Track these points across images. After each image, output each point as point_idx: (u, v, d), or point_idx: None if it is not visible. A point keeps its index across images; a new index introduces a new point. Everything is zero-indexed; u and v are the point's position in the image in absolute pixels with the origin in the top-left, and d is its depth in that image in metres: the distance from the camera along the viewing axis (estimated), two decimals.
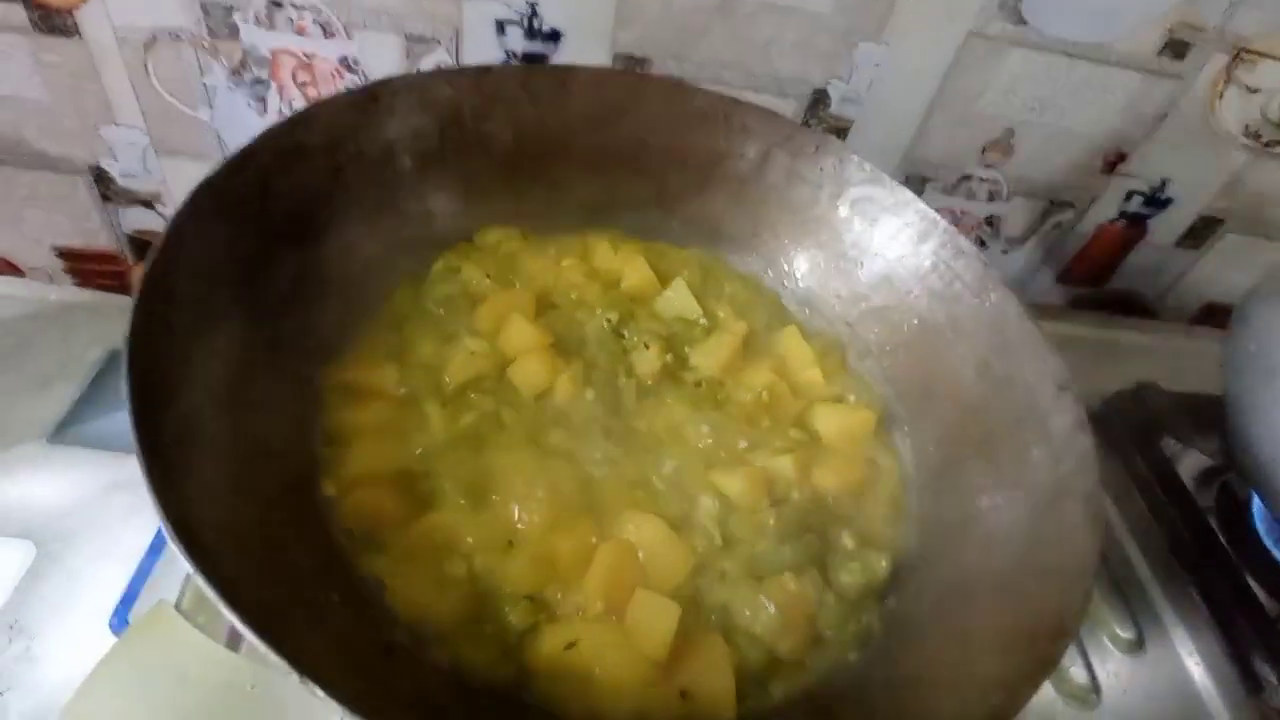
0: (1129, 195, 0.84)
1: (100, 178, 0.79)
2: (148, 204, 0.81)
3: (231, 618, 0.26)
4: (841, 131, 0.75)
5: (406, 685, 0.33)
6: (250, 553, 0.32)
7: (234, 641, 0.45)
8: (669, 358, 0.52)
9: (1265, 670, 0.59)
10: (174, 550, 0.71)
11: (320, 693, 0.26)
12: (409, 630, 0.37)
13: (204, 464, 0.34)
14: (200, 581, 0.27)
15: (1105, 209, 0.85)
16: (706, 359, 0.53)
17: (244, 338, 0.42)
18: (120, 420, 0.84)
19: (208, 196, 0.40)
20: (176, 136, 0.75)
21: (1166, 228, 0.88)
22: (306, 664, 0.26)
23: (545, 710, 0.37)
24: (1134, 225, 0.87)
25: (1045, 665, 0.34)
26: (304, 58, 0.70)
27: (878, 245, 0.59)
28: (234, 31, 0.68)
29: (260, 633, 0.26)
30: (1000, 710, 0.32)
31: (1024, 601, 0.39)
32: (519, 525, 0.42)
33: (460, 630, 0.38)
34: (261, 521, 0.36)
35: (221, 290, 0.41)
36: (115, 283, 0.88)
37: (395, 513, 0.41)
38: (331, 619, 0.34)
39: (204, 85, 0.71)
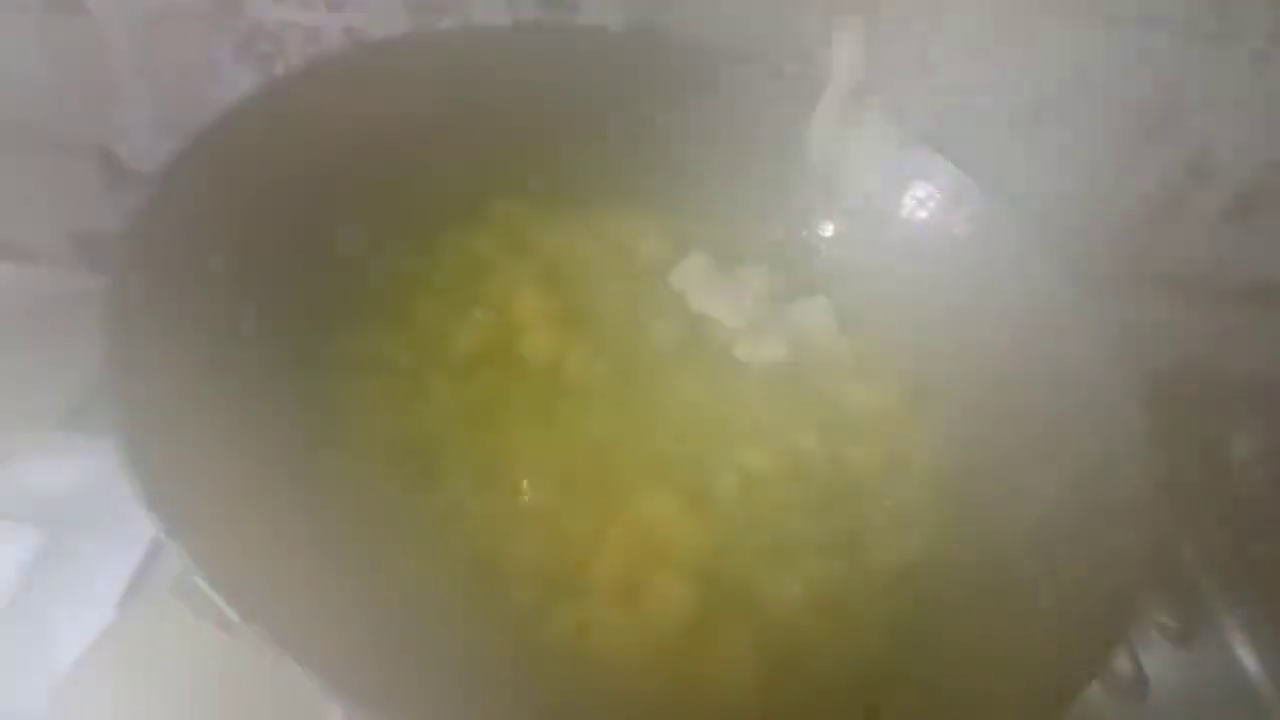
0: (1170, 164, 0.80)
1: (108, 159, 0.78)
2: None
3: (222, 604, 0.25)
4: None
5: (410, 670, 0.31)
6: (241, 531, 0.30)
7: (230, 624, 0.44)
8: (686, 330, 0.50)
9: None
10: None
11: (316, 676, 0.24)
12: (412, 611, 0.35)
13: (190, 432, 0.32)
14: (186, 561, 0.25)
15: (1144, 181, 0.81)
16: (725, 330, 0.51)
17: (241, 305, 0.40)
18: None
19: (197, 154, 0.38)
20: (184, 115, 0.74)
21: (1213, 200, 0.83)
22: (298, 645, 0.24)
23: (556, 694, 0.34)
24: (1177, 197, 0.83)
25: (1098, 656, 0.31)
26: (310, 29, 0.68)
27: (907, 212, 0.56)
28: (238, 5, 0.66)
29: (244, 614, 0.24)
30: (1050, 701, 0.30)
31: (1078, 585, 0.36)
32: (528, 501, 0.40)
33: (466, 611, 0.36)
34: (254, 498, 0.34)
35: (215, 255, 0.39)
36: None
37: (399, 487, 0.39)
38: (329, 603, 0.32)
39: (211, 61, 0.70)
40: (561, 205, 0.57)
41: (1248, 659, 0.57)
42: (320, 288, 0.45)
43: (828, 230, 0.59)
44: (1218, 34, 0.68)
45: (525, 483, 0.41)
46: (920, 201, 0.56)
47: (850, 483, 0.45)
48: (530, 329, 0.47)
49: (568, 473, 0.41)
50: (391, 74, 0.49)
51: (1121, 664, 0.53)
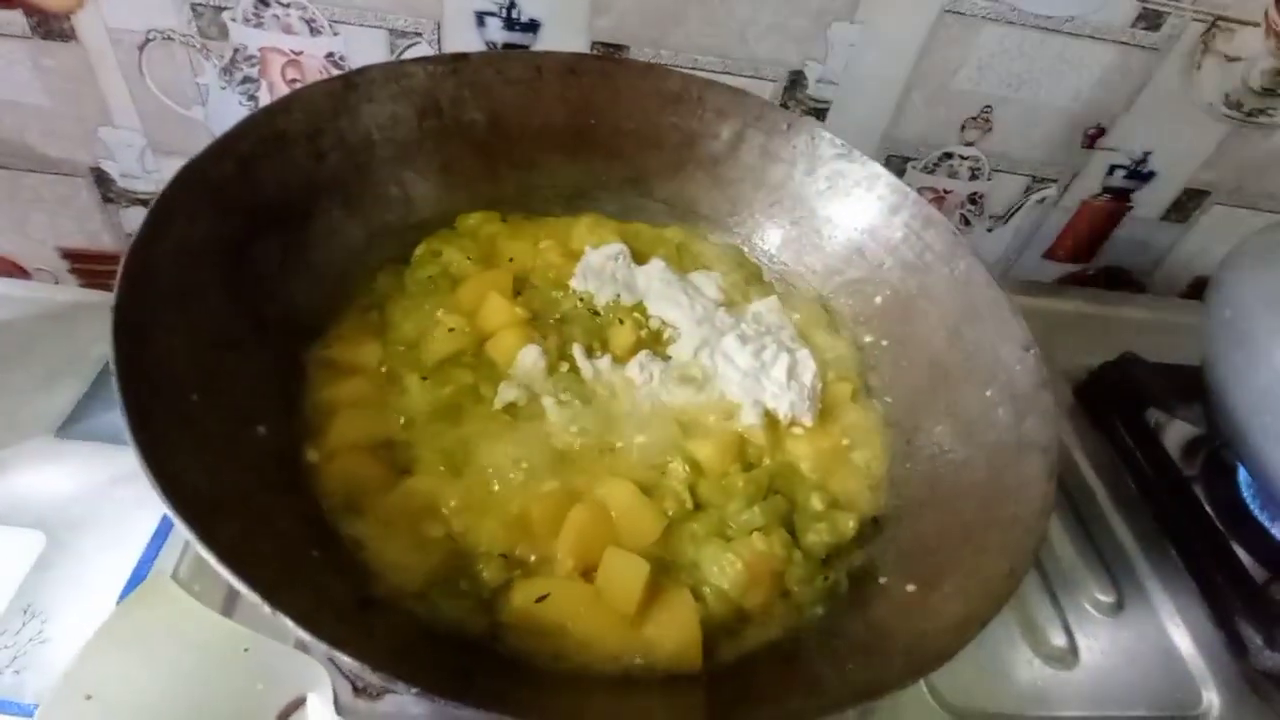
0: (1111, 169, 0.85)
1: (101, 179, 0.81)
2: (147, 203, 0.83)
3: (215, 563, 0.28)
4: (820, 113, 0.77)
5: (383, 634, 0.35)
6: (235, 511, 0.34)
7: (228, 607, 0.47)
8: (643, 332, 0.54)
9: (1250, 633, 0.60)
10: (172, 525, 0.73)
11: (299, 629, 0.27)
12: (386, 586, 0.39)
13: (187, 429, 0.36)
14: (184, 529, 0.28)
15: (1088, 184, 0.86)
16: (679, 333, 0.54)
17: (229, 316, 0.43)
18: None
19: (192, 180, 0.42)
20: (173, 136, 0.77)
21: (1151, 201, 0.88)
22: (286, 604, 0.28)
23: (518, 660, 0.38)
24: (1118, 199, 0.88)
25: (996, 604, 0.35)
26: (292, 55, 0.72)
27: (850, 219, 0.60)
28: (224, 31, 0.70)
29: (241, 575, 0.28)
30: (946, 650, 0.34)
31: (982, 552, 0.40)
32: (495, 489, 0.44)
33: (436, 586, 0.39)
34: (245, 485, 0.37)
35: (206, 270, 0.42)
36: None
37: (375, 479, 0.43)
38: (312, 572, 0.36)
39: (197, 84, 0.73)
40: (529, 215, 0.61)
41: (1175, 630, 0.61)
42: (304, 299, 0.49)
43: (777, 239, 0.63)
44: (1152, 46, 0.73)
45: (491, 472, 0.44)
46: (863, 209, 0.60)
47: (792, 473, 0.49)
48: (498, 334, 0.51)
49: (530, 463, 0.45)
50: (367, 99, 0.53)
51: (1055, 635, 0.57)
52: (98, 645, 0.47)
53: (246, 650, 0.44)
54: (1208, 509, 0.67)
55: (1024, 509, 0.40)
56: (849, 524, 0.45)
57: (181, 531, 0.29)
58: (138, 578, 0.73)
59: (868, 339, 0.58)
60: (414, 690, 0.28)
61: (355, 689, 0.45)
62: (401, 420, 0.46)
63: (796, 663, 0.40)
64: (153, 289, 0.37)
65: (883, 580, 0.44)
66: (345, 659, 0.28)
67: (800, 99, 0.76)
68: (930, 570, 0.41)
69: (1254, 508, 0.68)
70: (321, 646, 0.29)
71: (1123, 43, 0.73)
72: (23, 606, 0.69)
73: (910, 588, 0.41)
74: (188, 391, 0.37)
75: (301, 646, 0.44)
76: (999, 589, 0.36)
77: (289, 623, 0.28)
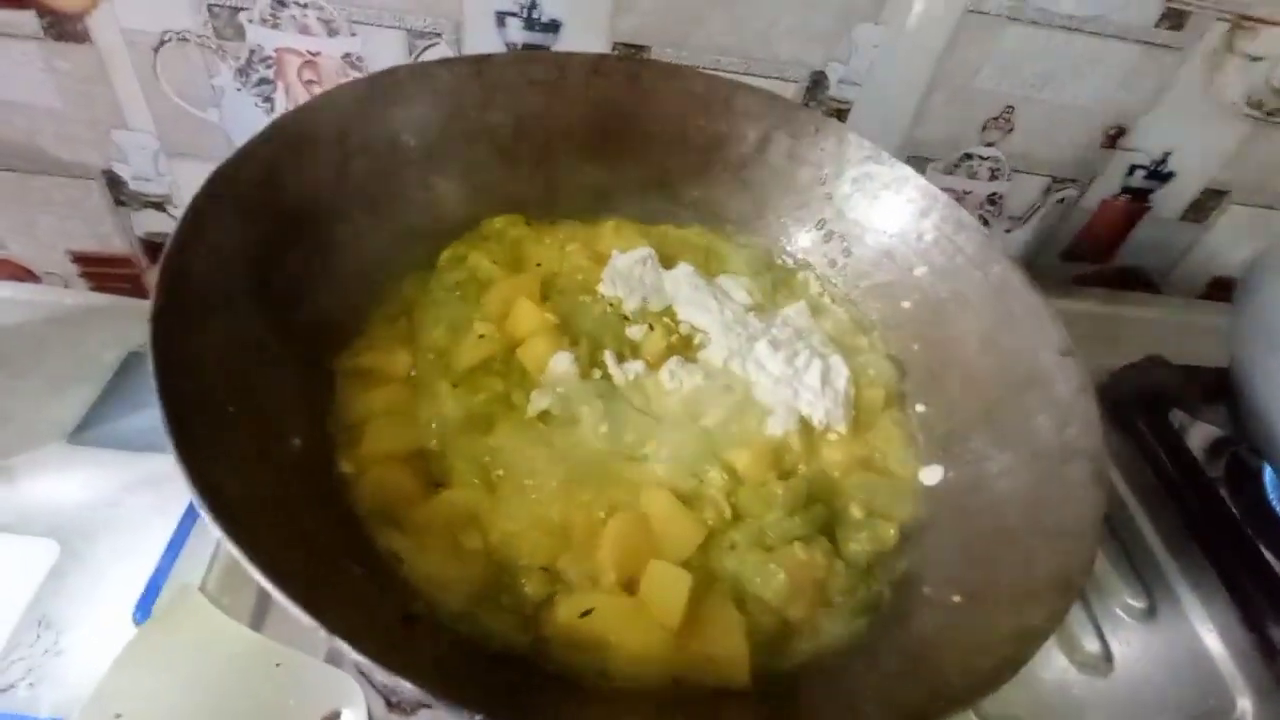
0: (1131, 170, 0.84)
1: (113, 182, 0.80)
2: (159, 206, 0.82)
3: (260, 579, 0.27)
4: (841, 114, 0.76)
5: (428, 650, 0.34)
6: (274, 524, 0.33)
7: (257, 621, 0.46)
8: (673, 338, 0.53)
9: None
10: (200, 528, 0.72)
11: (348, 648, 0.27)
12: (428, 601, 0.38)
13: (225, 440, 0.35)
14: (229, 545, 0.28)
15: (1108, 184, 0.85)
16: (709, 338, 0.54)
17: (259, 324, 0.43)
18: (138, 420, 0.86)
19: (220, 185, 0.41)
20: (186, 139, 0.76)
21: (1170, 202, 0.88)
22: (333, 622, 0.27)
23: (563, 675, 0.37)
24: (1137, 200, 0.87)
25: (1051, 621, 0.35)
26: (309, 56, 0.71)
27: (879, 222, 0.59)
28: (240, 32, 0.69)
29: (287, 593, 0.27)
30: (1006, 663, 0.33)
31: (1031, 563, 0.39)
32: (532, 499, 0.43)
33: (477, 602, 0.39)
34: (282, 498, 0.37)
35: (236, 277, 0.42)
36: (130, 286, 0.90)
37: (411, 490, 0.42)
38: (352, 588, 0.35)
39: (212, 86, 0.72)
40: (555, 218, 0.61)
41: (1208, 635, 0.60)
42: (331, 306, 0.48)
43: (805, 243, 0.62)
44: (1176, 45, 0.72)
45: (527, 483, 0.44)
46: (892, 212, 0.59)
47: (829, 481, 0.48)
48: (528, 340, 0.50)
49: (567, 473, 0.44)
50: (392, 102, 0.52)
51: (1088, 641, 0.57)
52: (126, 662, 0.46)
53: (278, 665, 0.43)
54: (1234, 511, 0.67)
55: (1072, 518, 0.40)
56: (890, 532, 0.45)
57: (226, 546, 0.28)
58: (154, 587, 0.72)
59: (898, 345, 0.57)
60: (463, 709, 0.28)
61: (389, 704, 0.44)
62: (433, 430, 0.45)
63: (844, 678, 0.39)
64: (188, 297, 0.37)
65: (926, 590, 0.43)
66: (388, 676, 0.28)
67: (822, 100, 0.75)
68: (977, 581, 0.41)
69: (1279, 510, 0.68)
70: (363, 662, 0.28)
71: (1146, 42, 0.73)
72: (37, 618, 0.68)
73: (956, 598, 0.41)
74: (224, 402, 0.37)
75: (334, 661, 0.43)
76: (1055, 603, 0.35)
77: (340, 643, 0.27)
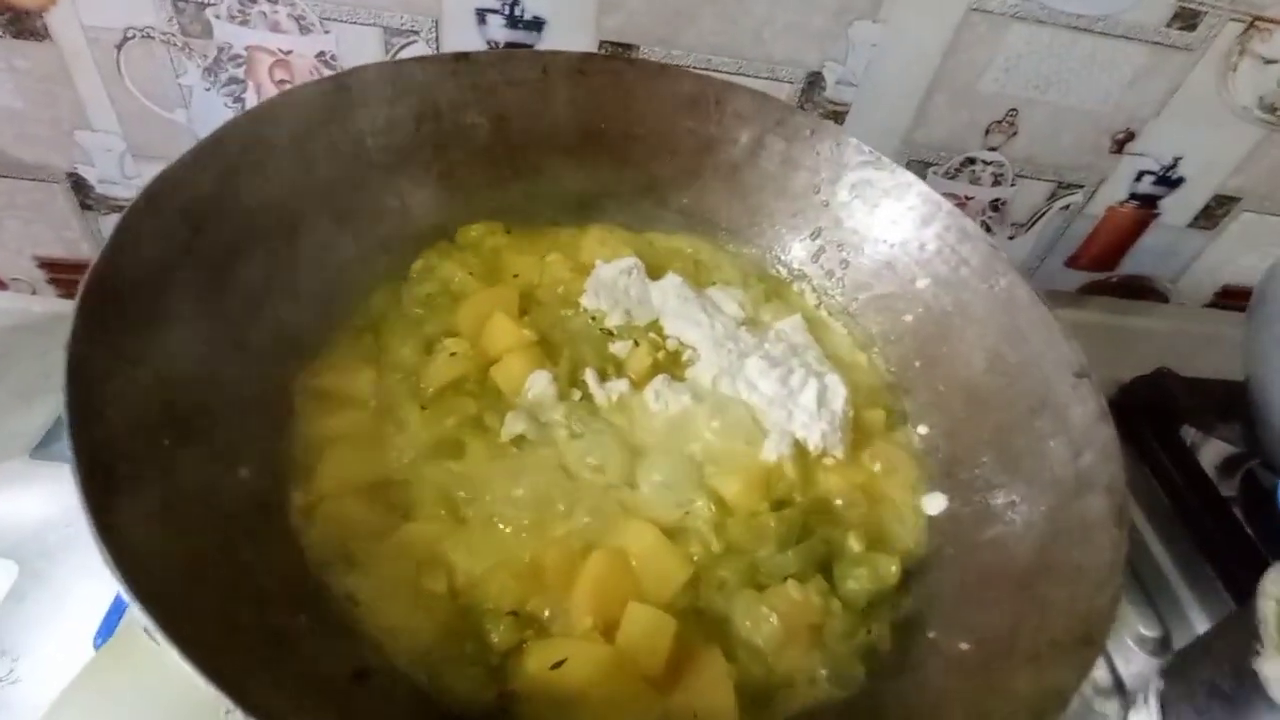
0: (1139, 175, 0.81)
1: (78, 185, 0.77)
2: None
3: (171, 649, 0.24)
4: (838, 115, 0.73)
5: (379, 712, 0.31)
6: (206, 577, 0.30)
7: None
8: (660, 354, 0.50)
9: None
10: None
11: None
12: (383, 652, 0.34)
13: (157, 482, 0.32)
14: (138, 611, 0.24)
15: (1114, 190, 0.82)
16: (698, 355, 0.50)
17: (208, 341, 0.39)
18: None
19: (164, 193, 0.38)
20: (154, 140, 0.73)
21: (1179, 208, 0.84)
22: (257, 699, 0.24)
23: None
24: (1145, 206, 0.84)
25: (1075, 675, 0.31)
26: (281, 54, 0.67)
27: (879, 231, 0.56)
28: (207, 29, 0.66)
29: (202, 668, 0.24)
30: None
31: (1047, 606, 0.36)
32: (503, 534, 0.40)
33: (439, 650, 0.35)
34: (224, 542, 0.33)
35: (181, 294, 0.38)
36: None
37: (370, 524, 0.39)
38: (298, 644, 0.32)
39: (179, 86, 0.69)
40: (535, 226, 0.57)
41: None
42: (292, 321, 0.45)
43: (800, 252, 0.59)
44: (1187, 46, 0.69)
45: (497, 516, 0.40)
46: (893, 220, 0.56)
47: (826, 510, 0.45)
48: (504, 359, 0.47)
49: (541, 504, 0.41)
50: (360, 103, 0.49)
51: (1100, 676, 0.54)
52: (65, 704, 0.43)
53: (228, 713, 0.40)
54: (1249, 533, 0.64)
55: (1090, 558, 0.37)
56: (892, 569, 0.41)
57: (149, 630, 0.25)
58: (117, 610, 0.68)
59: (899, 361, 0.54)
60: None
61: None
62: (397, 457, 0.42)
63: None
64: (116, 320, 0.33)
65: (931, 635, 0.40)
66: None
67: (818, 101, 0.72)
68: (987, 627, 0.37)
69: None
70: None
71: (1156, 43, 0.70)
72: None
73: (964, 646, 0.37)
74: (159, 436, 0.33)
75: None
76: (1076, 658, 0.32)
77: None
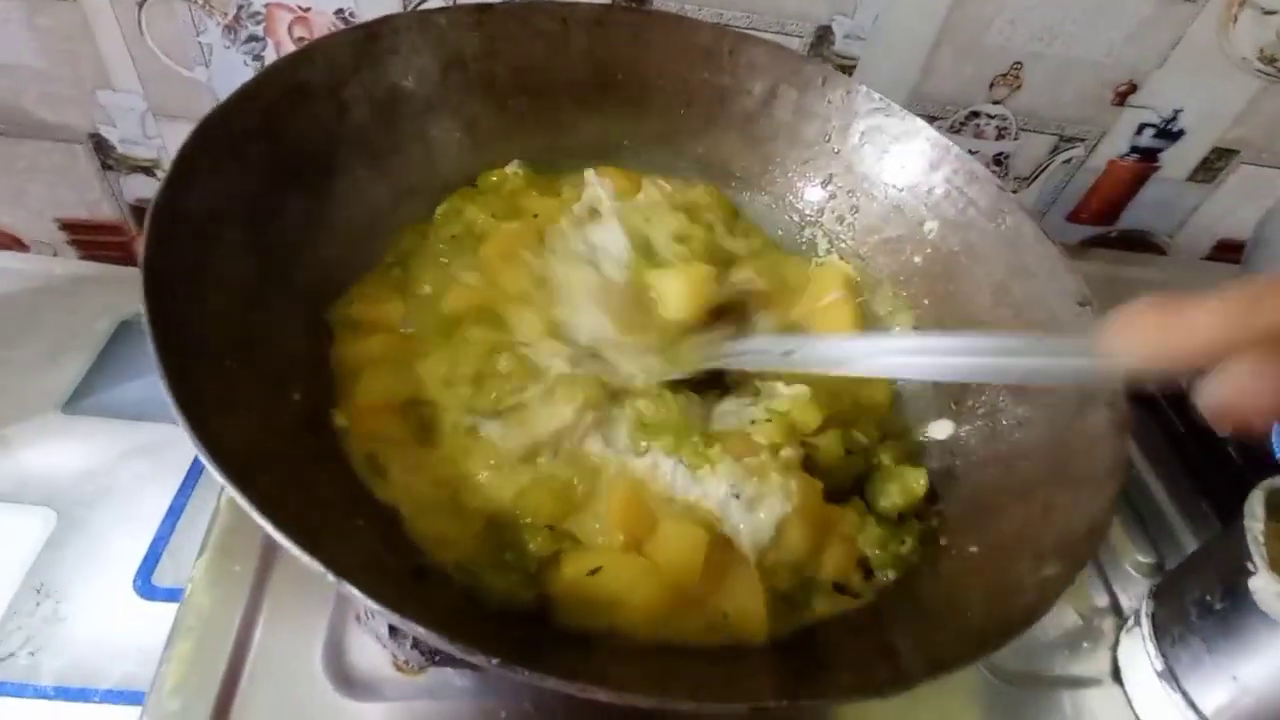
0: (1140, 128, 0.83)
1: (100, 145, 0.78)
2: (149, 171, 0.80)
3: (267, 527, 0.26)
4: (847, 69, 0.74)
5: (439, 602, 0.34)
6: (277, 477, 0.32)
7: (261, 585, 0.45)
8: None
9: None
10: (199, 496, 0.71)
11: (358, 593, 0.26)
12: (432, 556, 0.37)
13: (224, 395, 0.34)
14: (235, 495, 0.27)
15: (1116, 143, 0.84)
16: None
17: (257, 277, 0.41)
18: (131, 389, 0.85)
19: (214, 132, 0.40)
20: (175, 99, 0.74)
21: (1179, 161, 0.86)
22: (344, 570, 0.26)
23: (571, 631, 0.36)
24: (1145, 160, 0.86)
25: (1075, 566, 0.34)
26: (300, 11, 0.69)
27: (889, 175, 0.58)
28: None
29: (297, 541, 0.26)
30: (1031, 609, 0.32)
31: (1053, 510, 0.39)
32: (534, 453, 0.42)
33: (479, 558, 0.38)
34: (284, 451, 0.36)
35: (231, 228, 0.40)
36: (120, 254, 0.88)
37: (405, 441, 0.41)
38: (360, 540, 0.34)
39: (200, 44, 0.70)
40: (557, 170, 0.59)
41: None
42: (330, 258, 0.47)
43: (813, 198, 0.61)
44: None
45: (523, 433, 0.43)
46: (902, 165, 0.58)
47: (851, 429, 0.47)
48: (518, 296, 0.49)
49: (565, 423, 0.43)
50: (390, 50, 0.50)
51: (1098, 597, 0.57)
52: None
53: None
54: (1242, 468, 0.67)
55: (1094, 467, 0.39)
56: (920, 481, 0.44)
57: (232, 496, 0.27)
58: (153, 555, 0.72)
59: (909, 300, 0.56)
60: (483, 657, 0.27)
61: (396, 665, 0.43)
62: (428, 379, 0.44)
63: (867, 633, 0.39)
64: (181, 246, 0.35)
65: (943, 542, 0.42)
66: (404, 624, 0.27)
67: (826, 55, 0.73)
68: (995, 533, 0.40)
69: None
70: (375, 609, 0.27)
71: None
72: (35, 586, 0.68)
73: (973, 549, 0.40)
74: (221, 356, 0.35)
75: None
76: (1078, 549, 0.34)
77: (350, 588, 0.26)
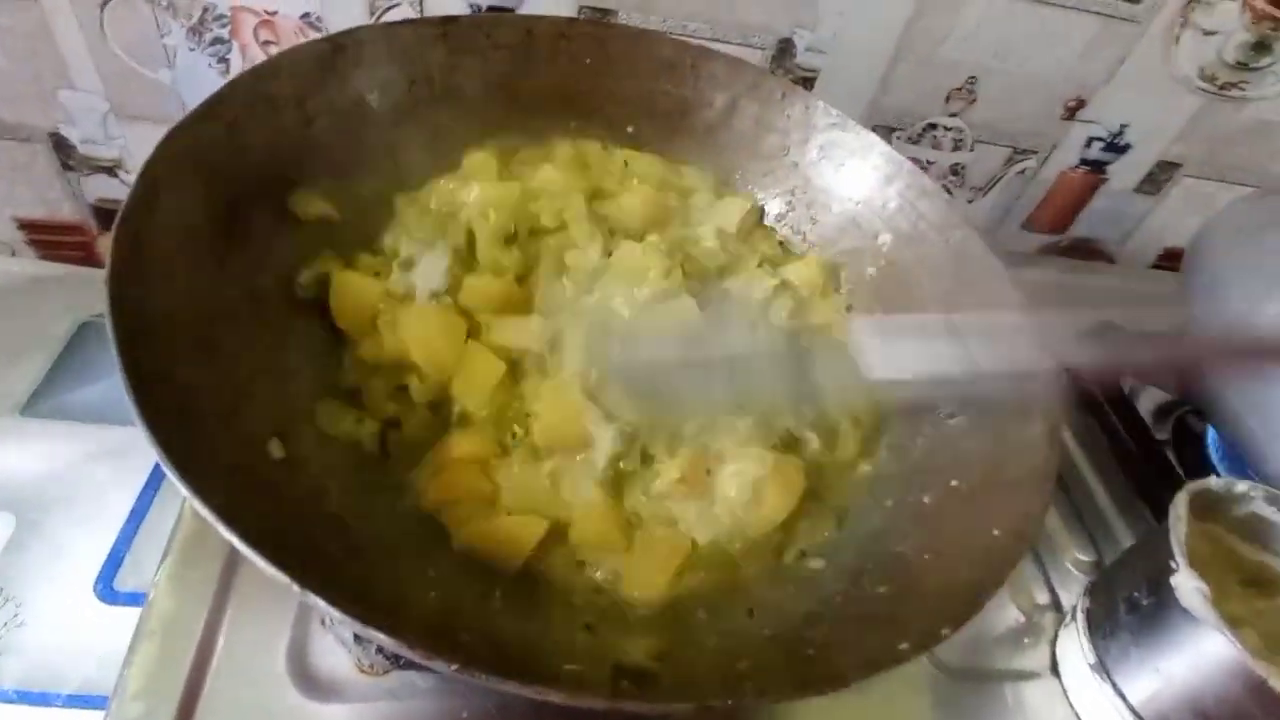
0: (1089, 141, 0.86)
1: (60, 145, 0.77)
2: (110, 171, 0.80)
3: (235, 541, 0.27)
4: (808, 81, 0.76)
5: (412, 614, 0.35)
6: (241, 485, 0.33)
7: (224, 591, 0.46)
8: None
9: None
10: (161, 501, 0.71)
11: (323, 604, 0.27)
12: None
13: (188, 404, 0.35)
14: (199, 508, 0.28)
15: (1066, 155, 0.87)
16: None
17: (222, 288, 0.42)
18: (91, 392, 0.84)
19: (179, 144, 0.40)
20: (137, 100, 0.74)
21: (1126, 173, 0.90)
22: (309, 581, 0.27)
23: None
24: (1094, 172, 0.89)
25: (1004, 569, 0.36)
26: (265, 15, 0.69)
27: (845, 189, 0.60)
28: None
29: (265, 554, 0.27)
30: (961, 616, 0.34)
31: (987, 515, 0.41)
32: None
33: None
34: (248, 462, 0.36)
35: (196, 240, 0.41)
36: (81, 254, 0.87)
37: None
38: (324, 549, 0.35)
39: (164, 46, 0.70)
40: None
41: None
42: (293, 266, 0.47)
43: (772, 210, 0.63)
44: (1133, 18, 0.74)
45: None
46: (858, 179, 0.60)
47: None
48: (490, 270, 0.50)
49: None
50: (355, 63, 0.51)
51: (1039, 594, 0.59)
52: None
53: None
54: (1180, 471, 0.70)
55: (1026, 473, 0.41)
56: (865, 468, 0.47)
57: (196, 508, 0.28)
58: (115, 559, 0.71)
59: (863, 310, 0.58)
60: (451, 667, 0.28)
61: (360, 667, 0.44)
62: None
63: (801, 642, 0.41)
64: (145, 260, 0.36)
65: (885, 547, 0.44)
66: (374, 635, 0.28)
67: (789, 67, 0.75)
68: (933, 537, 0.42)
69: (1221, 470, 0.71)
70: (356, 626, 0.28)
71: (1106, 14, 0.74)
72: None
73: (926, 557, 0.42)
74: (186, 365, 0.36)
75: None
76: (1008, 553, 0.37)
77: (312, 598, 0.27)
